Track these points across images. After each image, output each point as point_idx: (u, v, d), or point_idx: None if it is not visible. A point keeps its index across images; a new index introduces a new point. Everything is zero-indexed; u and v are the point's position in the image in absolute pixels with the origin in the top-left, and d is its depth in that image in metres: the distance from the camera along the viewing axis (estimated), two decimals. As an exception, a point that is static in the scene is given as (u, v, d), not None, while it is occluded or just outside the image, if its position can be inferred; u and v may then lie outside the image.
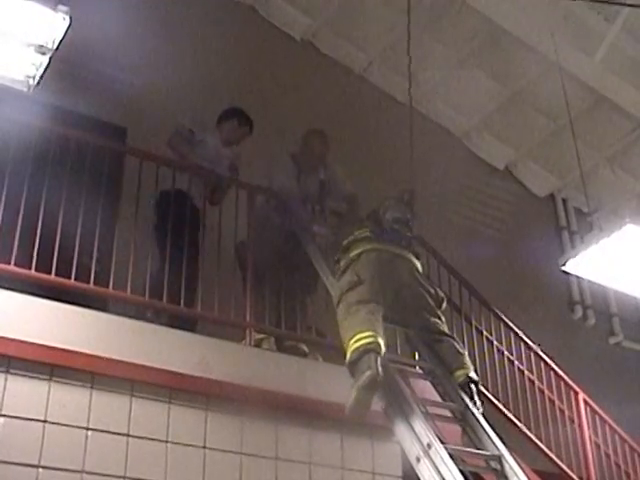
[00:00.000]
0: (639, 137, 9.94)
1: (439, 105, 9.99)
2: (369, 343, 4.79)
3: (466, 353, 5.40)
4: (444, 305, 5.70)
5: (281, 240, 6.54)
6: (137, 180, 5.94)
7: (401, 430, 4.68)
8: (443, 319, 5.52)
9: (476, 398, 5.06)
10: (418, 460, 4.45)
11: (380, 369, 4.68)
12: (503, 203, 10.13)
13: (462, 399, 5.05)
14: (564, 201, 10.99)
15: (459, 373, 5.19)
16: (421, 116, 9.75)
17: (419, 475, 4.43)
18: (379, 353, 4.78)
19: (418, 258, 5.69)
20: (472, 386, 5.11)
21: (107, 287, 5.60)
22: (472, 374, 5.21)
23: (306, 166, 7.03)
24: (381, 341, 4.86)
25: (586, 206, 9.91)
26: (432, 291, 5.55)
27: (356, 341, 4.84)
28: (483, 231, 9.67)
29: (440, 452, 4.37)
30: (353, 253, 5.48)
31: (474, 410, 4.95)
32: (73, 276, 5.40)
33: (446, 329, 5.48)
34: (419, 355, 5.58)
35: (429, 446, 4.43)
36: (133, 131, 7.50)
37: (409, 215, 5.78)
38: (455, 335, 5.60)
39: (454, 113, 10.14)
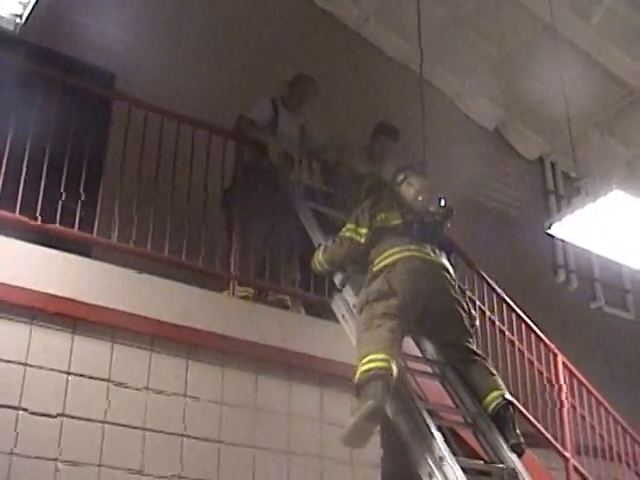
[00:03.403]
0: (630, 104, 9.90)
1: (432, 64, 9.92)
2: (380, 368, 4.37)
3: (498, 375, 4.94)
4: (476, 324, 5.34)
5: (267, 190, 6.49)
6: (125, 126, 5.90)
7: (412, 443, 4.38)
8: (473, 339, 5.05)
9: (518, 431, 4.64)
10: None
11: (385, 400, 4.32)
12: (492, 164, 10.12)
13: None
14: (553, 165, 10.99)
15: (494, 394, 4.73)
16: (414, 74, 9.70)
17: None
18: (389, 381, 4.36)
19: (450, 262, 5.21)
20: (509, 412, 4.68)
21: (92, 233, 5.59)
22: (508, 396, 4.75)
23: (289, 105, 7.06)
24: (394, 366, 4.41)
25: (574, 171, 9.92)
26: (466, 308, 5.05)
27: (368, 362, 4.42)
28: (469, 191, 9.66)
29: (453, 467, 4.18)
30: (388, 258, 4.91)
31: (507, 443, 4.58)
32: (58, 221, 5.38)
33: (476, 349, 5.01)
34: (445, 379, 5.04)
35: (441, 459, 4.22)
36: (122, 77, 7.42)
37: (447, 202, 5.16)
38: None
39: (446, 73, 10.09)
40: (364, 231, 5.16)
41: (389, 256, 4.92)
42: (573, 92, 8.63)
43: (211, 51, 8.13)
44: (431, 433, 4.27)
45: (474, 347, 4.98)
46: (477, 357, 4.93)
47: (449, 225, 5.17)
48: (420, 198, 5.14)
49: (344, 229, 5.29)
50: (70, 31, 7.28)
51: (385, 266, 4.88)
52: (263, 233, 6.39)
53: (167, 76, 7.67)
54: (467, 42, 9.65)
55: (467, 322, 5.00)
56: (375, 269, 4.93)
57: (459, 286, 5.27)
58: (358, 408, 4.32)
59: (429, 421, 4.34)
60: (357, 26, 9.64)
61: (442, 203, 5.12)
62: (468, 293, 6.89)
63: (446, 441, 4.28)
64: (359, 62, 9.42)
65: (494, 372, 4.90)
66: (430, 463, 4.20)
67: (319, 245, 5.55)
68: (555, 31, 8.21)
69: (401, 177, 5.29)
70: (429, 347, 5.11)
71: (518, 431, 4.64)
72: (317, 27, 9.19)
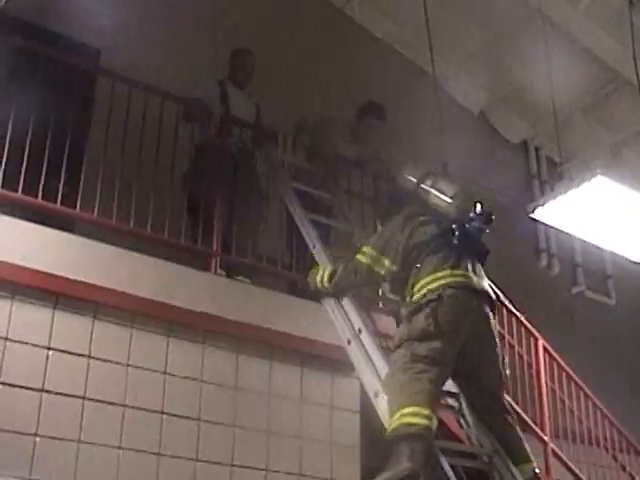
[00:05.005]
0: (616, 90, 9.91)
1: (418, 46, 9.89)
2: (424, 427, 3.98)
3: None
4: (507, 372, 4.77)
5: (226, 166, 6.44)
6: (109, 102, 5.86)
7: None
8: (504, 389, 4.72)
9: None
10: None
11: (423, 466, 3.94)
12: (476, 148, 10.11)
13: None
14: (536, 149, 11.01)
15: (526, 467, 4.44)
16: (399, 55, 9.72)
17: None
18: (429, 444, 4.03)
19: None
20: None
21: (74, 208, 5.57)
22: (537, 470, 4.50)
23: (238, 83, 7.10)
24: (434, 426, 4.07)
25: (558, 156, 9.93)
26: (501, 353, 4.63)
27: (411, 415, 4.02)
28: (454, 173, 9.65)
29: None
30: (430, 284, 4.41)
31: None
32: (40, 196, 5.35)
33: (507, 404, 4.67)
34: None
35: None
36: (107, 53, 7.37)
37: (484, 205, 4.59)
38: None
39: (434, 55, 10.04)
40: (388, 263, 4.65)
41: (432, 282, 4.42)
42: (559, 76, 8.63)
43: (197, 28, 8.09)
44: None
45: (505, 401, 4.63)
46: (509, 415, 4.57)
47: (488, 231, 4.67)
48: (457, 204, 4.62)
49: (362, 253, 4.76)
50: (56, 6, 7.22)
51: (430, 300, 4.35)
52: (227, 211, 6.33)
53: (152, 52, 7.62)
54: (454, 24, 9.62)
55: (502, 368, 4.61)
56: (416, 298, 4.43)
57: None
58: (392, 465, 3.94)
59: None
60: (342, 4, 9.60)
61: (479, 208, 4.56)
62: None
63: None
64: (344, 41, 9.38)
65: (522, 437, 4.57)
66: None
67: (324, 264, 5.19)
68: (542, 15, 8.20)
69: (428, 184, 4.78)
70: (461, 388, 4.68)
71: None
72: (301, 4, 9.13)
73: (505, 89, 10.36)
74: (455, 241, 4.56)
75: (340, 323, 4.90)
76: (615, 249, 7.09)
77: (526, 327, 7.25)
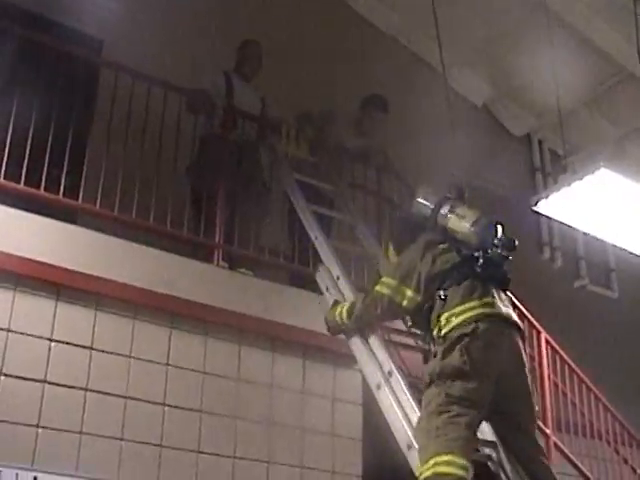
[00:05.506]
0: (619, 82, 9.89)
1: (423, 38, 9.88)
2: (460, 478, 3.71)
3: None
4: (537, 408, 4.51)
5: (230, 158, 6.44)
6: (112, 94, 5.86)
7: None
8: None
9: None
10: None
11: None
12: (479, 140, 10.08)
13: None
14: (540, 142, 10.99)
15: None
16: (402, 47, 9.69)
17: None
18: None
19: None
20: None
21: (77, 200, 5.56)
22: None
23: (244, 75, 7.10)
24: (471, 475, 3.79)
25: (562, 149, 9.89)
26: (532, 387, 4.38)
27: (443, 464, 3.75)
28: (456, 166, 9.63)
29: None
30: (459, 316, 4.12)
31: None
32: (43, 187, 5.35)
33: (539, 443, 4.40)
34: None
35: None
36: (110, 44, 7.36)
37: (505, 230, 4.36)
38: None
39: (437, 47, 10.00)
40: (410, 293, 4.36)
41: (461, 314, 4.14)
42: (563, 70, 8.61)
43: (201, 21, 8.06)
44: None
45: (537, 439, 4.37)
46: (543, 456, 4.31)
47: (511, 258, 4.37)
48: (478, 231, 4.36)
49: (382, 284, 4.47)
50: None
51: (462, 335, 4.05)
52: (231, 202, 6.34)
53: (156, 45, 7.59)
54: (458, 16, 9.58)
55: (534, 402, 4.33)
56: (445, 332, 4.13)
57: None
58: None
59: None
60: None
61: (500, 232, 4.33)
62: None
63: None
64: (348, 34, 9.36)
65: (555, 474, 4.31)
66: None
67: (336, 302, 4.88)
68: (546, 8, 8.17)
69: (446, 209, 4.49)
70: (496, 428, 4.37)
71: None
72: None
73: (509, 82, 10.31)
74: (479, 270, 4.29)
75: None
76: (618, 242, 7.09)
77: (529, 320, 7.23)
